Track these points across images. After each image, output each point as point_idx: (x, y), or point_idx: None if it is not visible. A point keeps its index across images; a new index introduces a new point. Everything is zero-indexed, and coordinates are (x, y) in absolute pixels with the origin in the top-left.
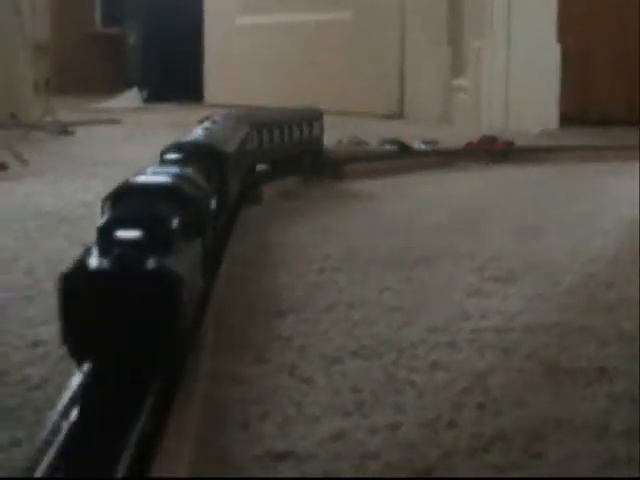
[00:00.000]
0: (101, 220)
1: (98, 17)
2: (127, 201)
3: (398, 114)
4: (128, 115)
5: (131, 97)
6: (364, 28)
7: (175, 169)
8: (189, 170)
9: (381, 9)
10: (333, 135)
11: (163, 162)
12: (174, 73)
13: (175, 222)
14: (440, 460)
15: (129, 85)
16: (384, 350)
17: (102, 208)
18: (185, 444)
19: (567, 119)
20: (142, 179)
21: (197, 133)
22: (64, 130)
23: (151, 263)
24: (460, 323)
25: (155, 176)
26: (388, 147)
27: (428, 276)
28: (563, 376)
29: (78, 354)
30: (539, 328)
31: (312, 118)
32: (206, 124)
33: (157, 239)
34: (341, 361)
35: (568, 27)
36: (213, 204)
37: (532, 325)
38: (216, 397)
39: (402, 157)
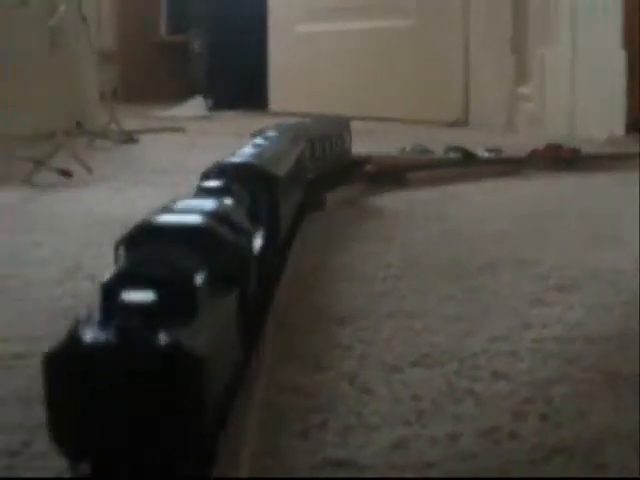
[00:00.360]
0: (107, 274)
1: (163, 25)
2: (144, 248)
3: (462, 122)
4: (192, 123)
5: (196, 105)
6: (427, 35)
7: (210, 202)
8: (228, 203)
9: (444, 16)
10: (397, 143)
11: (200, 190)
12: (239, 81)
13: (201, 278)
14: (500, 471)
15: (194, 93)
16: (445, 359)
17: (115, 255)
18: (243, 453)
19: (633, 125)
20: (165, 218)
21: (245, 151)
22: (129, 138)
23: (163, 338)
24: (522, 332)
25: (183, 214)
26: (452, 155)
27: (490, 284)
28: (625, 387)
29: (70, 452)
30: (601, 338)
31: (345, 128)
32: (257, 140)
33: (176, 302)
34: (402, 370)
35: (633, 34)
36: (258, 243)
37: (594, 335)
38: (275, 405)
39: (466, 165)
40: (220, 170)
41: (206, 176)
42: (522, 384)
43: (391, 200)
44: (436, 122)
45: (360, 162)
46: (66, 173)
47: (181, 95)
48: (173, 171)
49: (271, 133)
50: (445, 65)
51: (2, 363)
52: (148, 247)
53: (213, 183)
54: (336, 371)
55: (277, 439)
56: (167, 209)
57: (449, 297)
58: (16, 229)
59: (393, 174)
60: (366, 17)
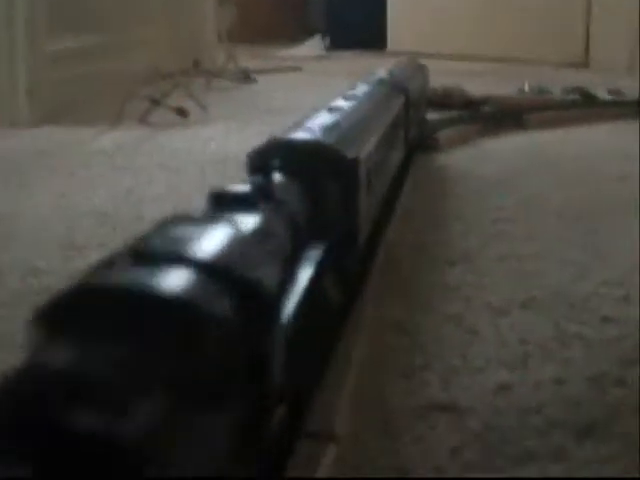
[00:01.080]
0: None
1: None
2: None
3: (583, 63)
4: (310, 63)
5: (314, 45)
6: None
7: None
8: (243, 234)
9: None
10: (515, 83)
11: (214, 200)
12: (357, 20)
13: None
14: (604, 418)
15: (312, 33)
16: (554, 303)
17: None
18: (344, 392)
19: None
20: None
21: (317, 122)
22: (246, 78)
23: None
24: (635, 277)
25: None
26: (571, 96)
27: (605, 229)
28: None
29: None
30: None
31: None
32: (340, 101)
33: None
34: (509, 313)
35: None
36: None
37: None
38: (380, 344)
39: (585, 106)
40: (275, 151)
41: (254, 159)
42: (632, 330)
43: (508, 141)
44: (556, 63)
45: (478, 102)
46: (182, 112)
47: (299, 35)
48: (288, 111)
49: (361, 89)
50: (567, 5)
51: None
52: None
53: (239, 189)
54: (442, 312)
55: (380, 378)
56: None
57: (562, 240)
58: (132, 168)
59: (511, 115)
60: None
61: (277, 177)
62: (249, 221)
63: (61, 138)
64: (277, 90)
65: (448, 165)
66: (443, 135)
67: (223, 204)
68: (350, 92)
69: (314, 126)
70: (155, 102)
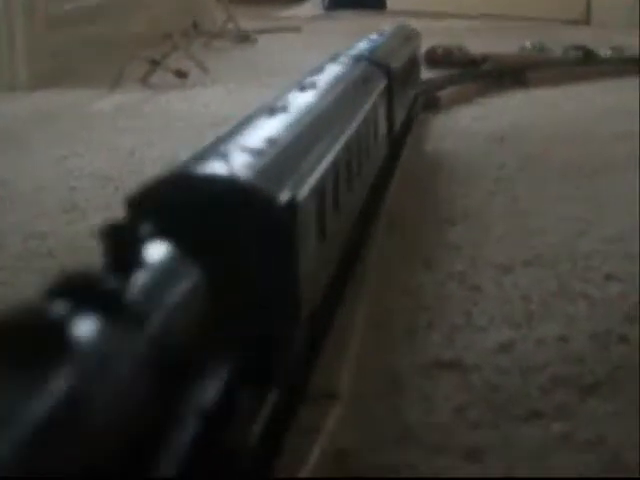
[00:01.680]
0: None
1: None
2: None
3: (584, 20)
4: (309, 23)
5: (312, 5)
6: None
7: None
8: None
9: None
10: (516, 41)
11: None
12: None
13: None
14: (608, 376)
15: None
16: (557, 260)
17: None
18: (348, 353)
19: None
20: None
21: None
22: (245, 38)
23: None
24: (637, 234)
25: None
26: (572, 54)
27: (606, 186)
28: None
29: None
30: None
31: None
32: (290, 96)
33: None
34: (512, 270)
35: None
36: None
37: None
38: (383, 304)
39: (587, 64)
40: (167, 197)
41: (134, 213)
42: (636, 287)
43: (509, 99)
44: (557, 20)
45: (479, 61)
46: (182, 74)
47: None
48: (288, 72)
49: (330, 71)
50: None
51: None
52: None
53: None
54: (445, 271)
55: (383, 338)
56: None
57: (564, 198)
58: (133, 129)
59: (512, 73)
60: None
61: (155, 251)
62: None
63: (61, 101)
64: (276, 50)
65: (449, 123)
66: (444, 93)
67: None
68: (311, 78)
69: (235, 148)
70: (155, 64)
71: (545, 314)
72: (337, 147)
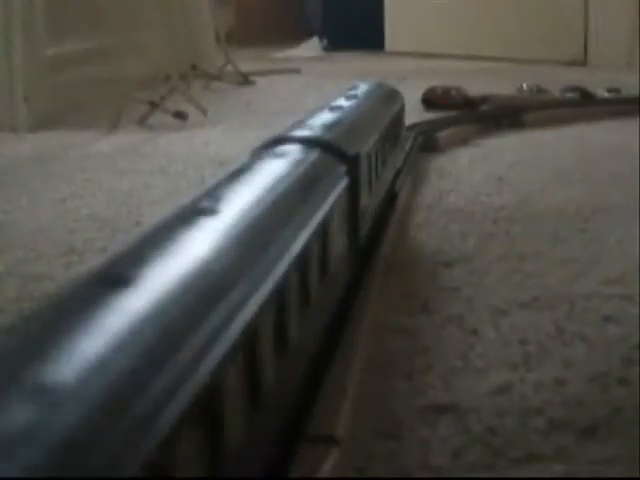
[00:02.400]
0: None
1: None
2: None
3: (582, 61)
4: (308, 64)
5: (311, 46)
6: None
7: None
8: None
9: None
10: (513, 82)
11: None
12: (354, 21)
13: None
14: (607, 418)
15: (310, 34)
16: (555, 302)
17: None
18: (345, 395)
19: None
20: None
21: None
22: (245, 80)
23: None
24: (635, 275)
25: None
26: (570, 95)
27: (604, 227)
28: None
29: None
30: None
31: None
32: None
33: None
34: (510, 313)
35: None
36: None
37: None
38: (381, 346)
39: (584, 105)
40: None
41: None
42: (634, 329)
43: (507, 140)
44: (554, 61)
45: (476, 102)
46: (180, 115)
47: (297, 36)
48: (288, 113)
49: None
50: (565, 4)
51: None
52: None
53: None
54: (443, 313)
55: (381, 380)
56: None
57: (561, 239)
58: (131, 171)
59: (510, 114)
60: None
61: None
62: None
63: (60, 142)
64: (276, 92)
65: (447, 164)
66: (443, 134)
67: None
68: (217, 193)
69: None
70: (154, 105)
71: (543, 357)
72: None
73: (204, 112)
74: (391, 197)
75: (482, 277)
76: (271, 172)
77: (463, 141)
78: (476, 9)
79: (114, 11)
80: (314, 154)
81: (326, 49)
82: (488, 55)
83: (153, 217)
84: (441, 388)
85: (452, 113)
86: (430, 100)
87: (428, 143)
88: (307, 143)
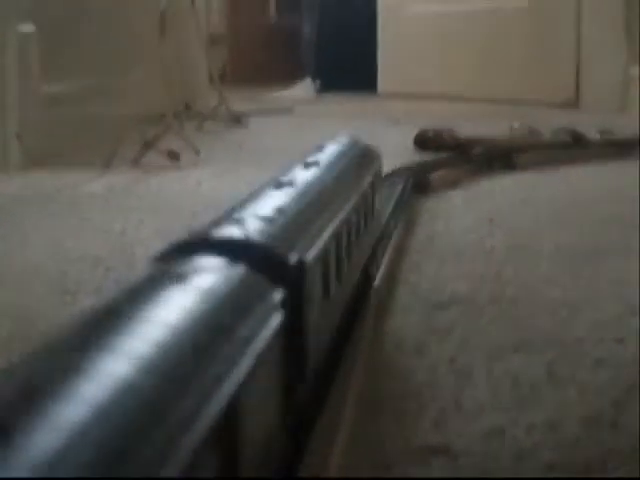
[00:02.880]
0: None
1: (273, 7)
2: None
3: (573, 103)
4: (301, 106)
5: (304, 87)
6: (539, 16)
7: None
8: None
9: None
10: (505, 124)
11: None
12: (348, 63)
13: None
14: (600, 461)
15: (303, 76)
16: (547, 345)
17: None
18: (338, 437)
19: None
20: None
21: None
22: (237, 120)
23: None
24: (628, 319)
25: None
26: (561, 137)
27: (596, 271)
28: None
29: None
30: None
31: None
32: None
33: None
34: (502, 356)
35: None
36: None
37: None
38: (372, 389)
39: (576, 147)
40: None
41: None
42: (626, 372)
43: (498, 183)
44: (546, 103)
45: (468, 144)
46: (174, 155)
47: (290, 77)
48: (280, 153)
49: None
50: (556, 46)
51: None
52: None
53: None
54: (435, 355)
55: (373, 423)
56: None
57: (554, 282)
58: (123, 210)
59: (501, 156)
60: None
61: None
62: None
63: (52, 182)
64: (269, 132)
65: (439, 206)
66: (435, 176)
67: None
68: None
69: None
70: (147, 145)
71: (535, 400)
72: None
73: (197, 152)
74: (366, 278)
75: (474, 320)
76: (155, 321)
77: (455, 183)
78: (470, 51)
79: (107, 51)
80: (235, 272)
81: (319, 90)
82: (481, 97)
83: (146, 257)
84: (433, 430)
85: (444, 155)
86: (422, 142)
87: (420, 185)
88: (227, 251)
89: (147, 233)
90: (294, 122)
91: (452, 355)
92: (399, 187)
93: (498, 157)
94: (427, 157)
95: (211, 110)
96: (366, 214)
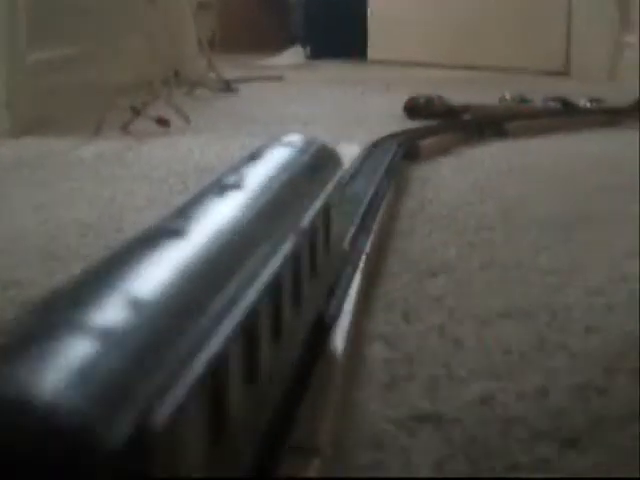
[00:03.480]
0: None
1: None
2: None
3: (564, 71)
4: (291, 72)
5: (294, 54)
6: None
7: None
8: None
9: None
10: (496, 92)
11: None
12: (338, 30)
13: None
14: (588, 429)
15: (292, 42)
16: (537, 312)
17: None
18: (327, 405)
19: None
20: None
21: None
22: (227, 87)
23: None
24: (617, 285)
25: None
26: (552, 105)
27: (586, 237)
28: None
29: None
30: None
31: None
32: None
33: None
34: (492, 322)
35: None
36: None
37: None
38: (362, 356)
39: (566, 115)
40: None
41: None
42: (615, 339)
43: (489, 150)
44: (537, 71)
45: (459, 111)
46: (163, 122)
47: (279, 44)
48: (270, 121)
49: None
50: (547, 13)
51: None
52: None
53: None
54: (425, 322)
55: (362, 390)
56: None
57: (544, 249)
58: (113, 178)
59: (492, 124)
60: None
61: None
62: None
63: (41, 149)
64: (258, 100)
65: (430, 173)
66: (425, 143)
67: None
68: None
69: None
70: (136, 112)
71: (525, 366)
72: None
73: (186, 119)
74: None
75: (464, 286)
76: None
77: (445, 150)
78: (460, 18)
79: (96, 17)
80: None
81: (309, 57)
82: (471, 64)
83: (136, 224)
84: (423, 398)
85: (434, 122)
86: (412, 109)
87: (410, 152)
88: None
89: (137, 200)
90: (284, 89)
91: (442, 322)
92: (389, 154)
93: (489, 124)
94: (417, 124)
95: (200, 77)
96: (312, 261)
